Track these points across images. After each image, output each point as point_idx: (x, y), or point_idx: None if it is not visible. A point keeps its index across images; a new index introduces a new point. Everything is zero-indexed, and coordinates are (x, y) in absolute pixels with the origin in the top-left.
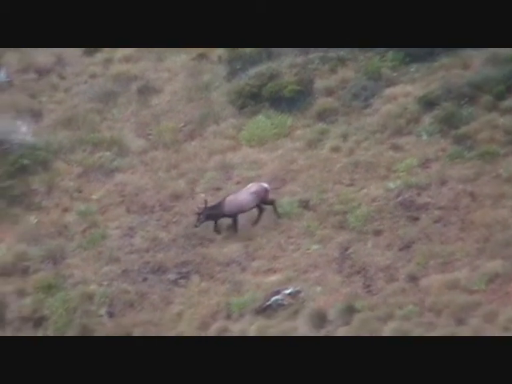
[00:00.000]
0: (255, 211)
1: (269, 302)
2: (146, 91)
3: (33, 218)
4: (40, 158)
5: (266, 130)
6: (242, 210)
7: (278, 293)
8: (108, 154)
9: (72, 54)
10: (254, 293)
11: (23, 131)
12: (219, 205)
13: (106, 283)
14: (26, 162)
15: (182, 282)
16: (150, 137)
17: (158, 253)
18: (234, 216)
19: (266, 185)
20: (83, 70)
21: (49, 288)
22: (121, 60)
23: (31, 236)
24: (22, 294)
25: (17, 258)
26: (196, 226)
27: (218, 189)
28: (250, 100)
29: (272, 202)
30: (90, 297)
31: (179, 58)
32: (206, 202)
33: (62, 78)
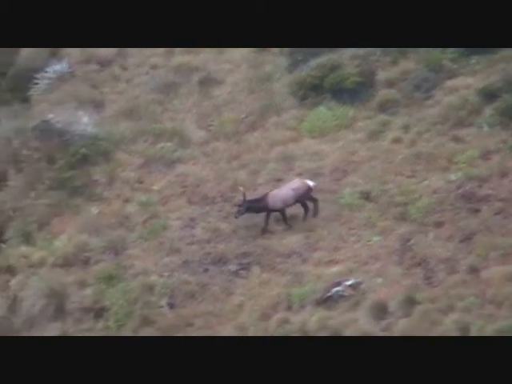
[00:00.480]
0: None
1: (330, 294)
2: (208, 82)
3: (94, 209)
4: (101, 149)
5: (328, 122)
6: (286, 204)
7: (338, 284)
8: (169, 144)
9: None
10: (315, 284)
11: (85, 122)
12: (262, 199)
13: (166, 274)
14: (87, 152)
15: (243, 273)
16: (212, 128)
17: (219, 244)
18: (278, 210)
19: (310, 182)
20: (144, 61)
21: (110, 279)
22: (182, 51)
23: (92, 227)
24: (82, 284)
25: (78, 249)
26: (236, 218)
27: (280, 180)
28: (312, 91)
29: (313, 200)
30: (150, 288)
31: (240, 50)
32: (244, 194)
33: (124, 68)
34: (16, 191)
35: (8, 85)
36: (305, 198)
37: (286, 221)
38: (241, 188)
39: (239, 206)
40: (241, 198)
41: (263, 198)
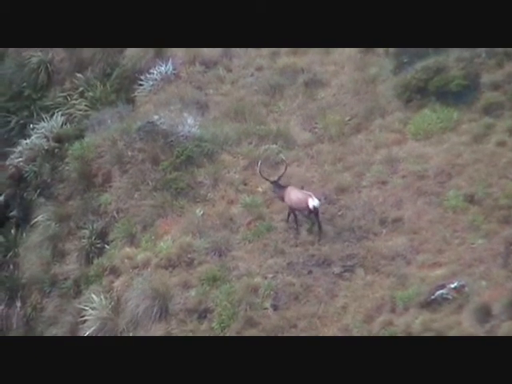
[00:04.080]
0: None
1: (433, 296)
2: (313, 84)
3: (198, 210)
4: (206, 150)
5: (432, 124)
6: (287, 204)
7: (442, 287)
8: (274, 146)
9: None
10: (419, 286)
11: (189, 123)
12: (281, 189)
13: (270, 276)
14: (191, 154)
15: (347, 275)
16: (316, 130)
17: (323, 246)
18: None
19: (311, 202)
20: (249, 63)
21: (214, 280)
22: (287, 53)
23: (196, 228)
24: (186, 285)
25: (182, 250)
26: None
27: (384, 182)
28: (417, 94)
29: (312, 217)
30: (254, 289)
31: (346, 51)
32: (264, 176)
33: (229, 70)
34: (120, 192)
35: (113, 86)
36: (305, 212)
37: (288, 218)
38: (258, 166)
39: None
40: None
41: (282, 188)
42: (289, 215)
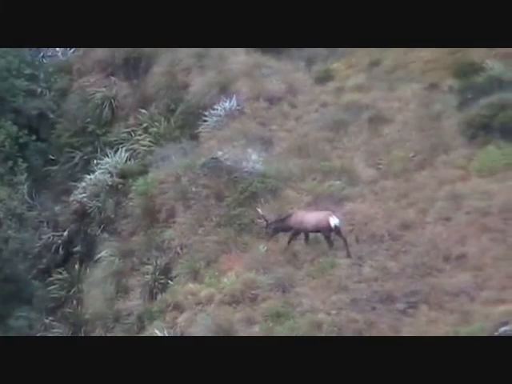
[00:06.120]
0: None
1: (497, 333)
2: (377, 120)
3: (262, 246)
4: (270, 186)
5: (497, 161)
6: (303, 229)
7: (506, 323)
8: (338, 182)
9: (303, 82)
10: (483, 323)
11: (253, 159)
12: (286, 218)
13: (334, 312)
14: (255, 190)
15: (411, 311)
16: (380, 166)
17: (387, 282)
18: (298, 231)
19: (332, 220)
20: (314, 99)
21: (277, 316)
22: (352, 89)
23: (260, 264)
24: (250, 322)
25: (245, 286)
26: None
27: (448, 219)
28: (481, 130)
29: (342, 238)
30: (318, 325)
31: (410, 88)
32: (264, 216)
33: (293, 106)
34: (184, 228)
35: (177, 122)
36: (326, 232)
37: (307, 241)
38: (259, 209)
39: (266, 227)
40: (262, 219)
41: (287, 217)
42: (306, 239)
